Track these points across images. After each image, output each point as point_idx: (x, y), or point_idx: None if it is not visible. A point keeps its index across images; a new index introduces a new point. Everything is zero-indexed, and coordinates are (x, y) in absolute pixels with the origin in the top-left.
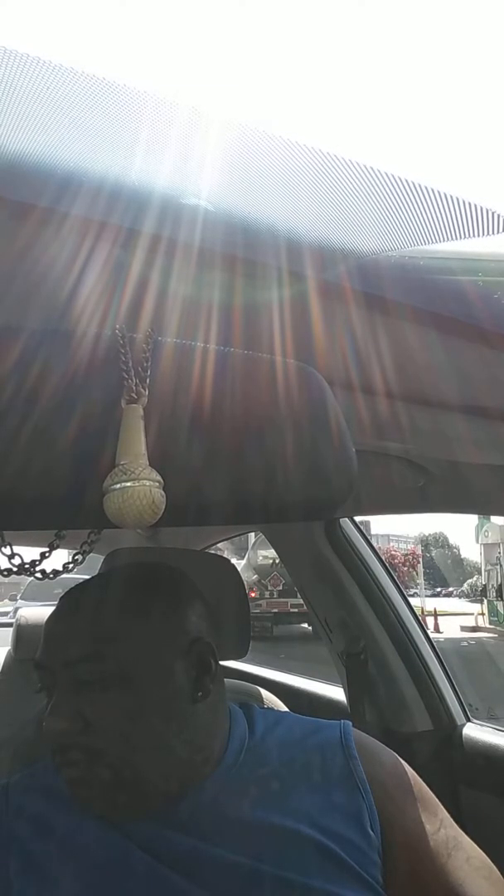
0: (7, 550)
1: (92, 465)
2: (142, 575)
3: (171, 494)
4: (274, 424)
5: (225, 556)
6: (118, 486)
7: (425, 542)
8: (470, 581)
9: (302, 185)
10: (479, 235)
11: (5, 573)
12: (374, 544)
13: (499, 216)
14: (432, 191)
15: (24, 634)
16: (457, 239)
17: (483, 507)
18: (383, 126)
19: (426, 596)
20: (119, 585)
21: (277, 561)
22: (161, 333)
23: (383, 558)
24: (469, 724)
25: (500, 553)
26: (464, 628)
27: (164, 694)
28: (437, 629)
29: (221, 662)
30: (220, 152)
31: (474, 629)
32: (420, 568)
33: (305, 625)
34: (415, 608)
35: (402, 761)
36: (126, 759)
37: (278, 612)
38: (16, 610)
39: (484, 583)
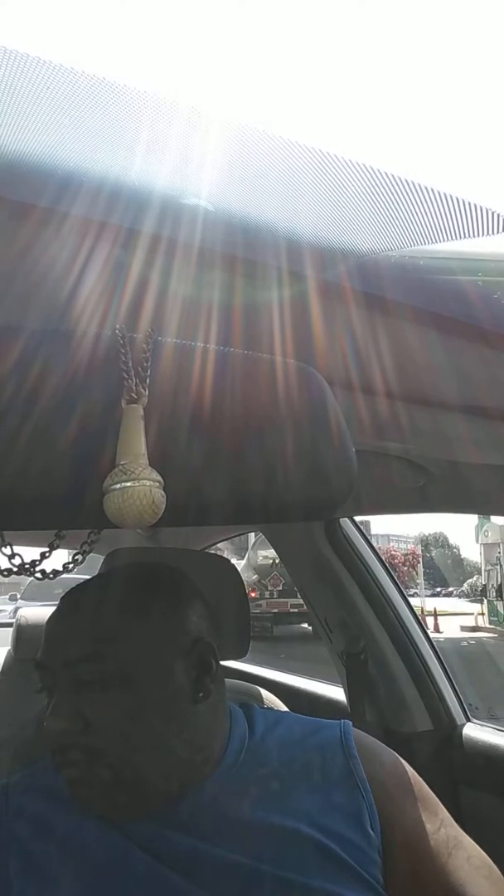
0: (7, 550)
1: (92, 465)
2: (142, 575)
3: (171, 494)
4: (274, 424)
5: (225, 556)
6: (118, 486)
7: (425, 542)
8: (470, 581)
9: (302, 185)
10: (479, 235)
11: (5, 573)
12: (374, 544)
13: (499, 216)
14: (432, 191)
15: (24, 634)
16: (457, 239)
17: (483, 507)
18: (383, 126)
19: (426, 596)
20: (119, 585)
21: (277, 561)
22: (161, 333)
23: (383, 558)
24: (469, 723)
25: (500, 553)
26: (464, 628)
27: (164, 694)
28: (437, 629)
29: (221, 662)
30: (220, 152)
31: (474, 629)
32: (420, 568)
33: (305, 625)
34: (415, 608)
35: (403, 761)
36: (126, 760)
37: (278, 612)
38: (16, 610)
39: (484, 583)
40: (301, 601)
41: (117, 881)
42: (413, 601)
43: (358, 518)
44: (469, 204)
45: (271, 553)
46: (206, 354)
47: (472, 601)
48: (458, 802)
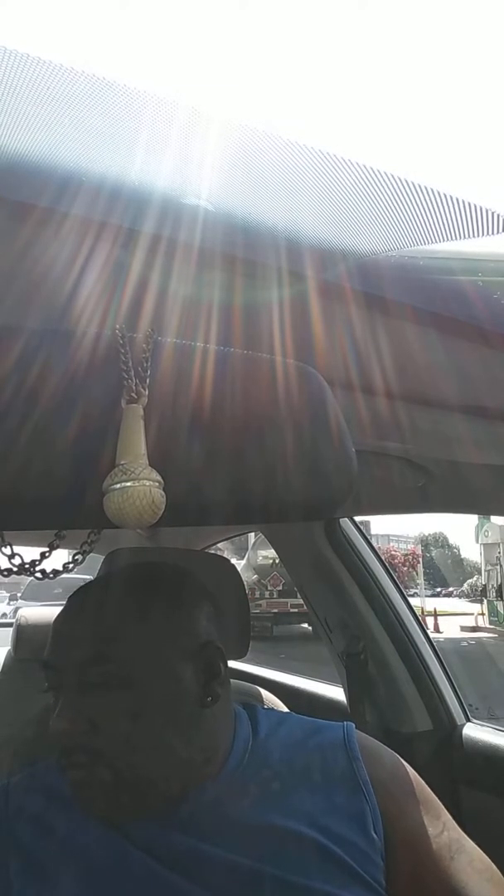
0: (7, 550)
1: (92, 465)
2: (152, 576)
3: (171, 494)
4: (274, 424)
5: (225, 556)
6: (118, 486)
7: (425, 542)
8: (470, 581)
9: (302, 185)
10: (479, 235)
11: (5, 573)
12: (374, 544)
13: (499, 216)
14: (432, 191)
15: (24, 634)
16: (457, 239)
17: (483, 507)
18: (383, 126)
19: (426, 596)
20: (129, 587)
21: (277, 561)
22: (161, 333)
23: (383, 558)
24: (469, 724)
25: (500, 553)
26: (464, 628)
27: (173, 697)
28: (437, 629)
29: None
30: (220, 152)
31: (474, 629)
32: (420, 568)
33: (305, 625)
34: (415, 608)
35: (405, 763)
36: (133, 763)
37: (278, 612)
38: (16, 610)
39: (484, 583)
40: (301, 601)
41: (117, 882)
42: (413, 601)
43: (358, 518)
44: (469, 204)
45: (271, 553)
46: (206, 354)
47: (472, 601)
48: (458, 802)
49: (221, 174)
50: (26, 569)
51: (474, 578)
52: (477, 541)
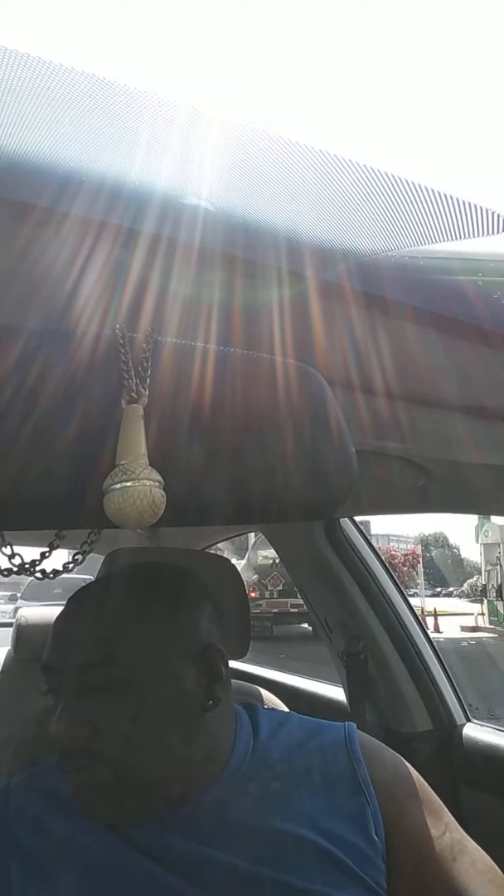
0: (7, 550)
1: (92, 465)
2: (153, 577)
3: (171, 494)
4: (274, 424)
5: (225, 556)
6: (118, 486)
7: (425, 542)
8: (470, 581)
9: (302, 185)
10: (479, 235)
11: (5, 573)
12: (374, 544)
13: (499, 216)
14: (432, 191)
15: (24, 634)
16: (457, 239)
17: (483, 507)
18: (383, 126)
19: (426, 596)
20: (130, 588)
21: (277, 561)
22: (161, 333)
23: (383, 558)
24: (469, 724)
25: (500, 553)
26: (464, 628)
27: (174, 700)
28: (437, 629)
29: None
30: (220, 152)
31: (474, 629)
32: (420, 568)
33: (305, 625)
34: (415, 608)
35: (407, 764)
36: (135, 766)
37: (278, 612)
38: (16, 610)
39: (484, 583)
40: (301, 601)
41: (117, 884)
42: (413, 601)
43: (358, 518)
44: (469, 204)
45: (271, 553)
46: (206, 354)
47: (472, 601)
48: (458, 802)
49: (221, 174)
50: (26, 569)
51: (474, 578)
52: (477, 541)
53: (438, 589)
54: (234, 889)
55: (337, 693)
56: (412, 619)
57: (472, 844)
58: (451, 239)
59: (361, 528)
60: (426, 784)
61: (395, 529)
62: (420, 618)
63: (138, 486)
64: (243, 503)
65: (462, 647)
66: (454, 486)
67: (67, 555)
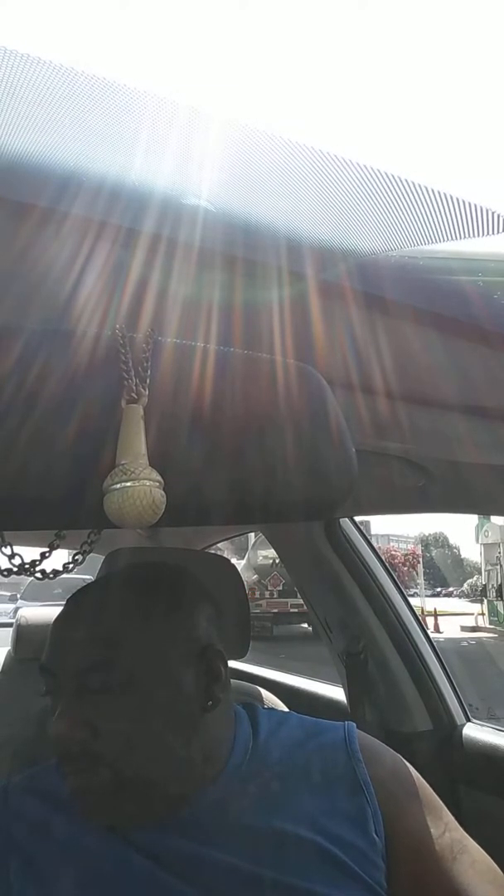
0: (7, 550)
1: (92, 465)
2: (151, 578)
3: (171, 494)
4: (274, 424)
5: (225, 556)
6: (118, 486)
7: (425, 542)
8: (470, 581)
9: (302, 185)
10: (479, 235)
11: (5, 573)
12: (374, 544)
13: (499, 216)
14: (432, 191)
15: (24, 634)
16: (457, 239)
17: (483, 507)
18: (383, 126)
19: (426, 596)
20: (131, 589)
21: (277, 561)
22: (161, 333)
23: (383, 558)
24: (469, 724)
25: (500, 553)
26: (464, 628)
27: (174, 702)
28: (437, 629)
29: None
30: (220, 152)
31: (474, 629)
32: (420, 568)
33: (305, 625)
34: (415, 608)
35: (407, 764)
36: (135, 768)
37: (278, 612)
38: (16, 610)
39: (484, 583)
40: (301, 601)
41: (117, 885)
42: (413, 601)
43: (358, 518)
44: (469, 204)
45: (271, 553)
46: (206, 354)
47: (472, 601)
48: (459, 802)
49: (221, 174)
50: (26, 569)
51: (474, 578)
52: (477, 541)
53: (438, 589)
54: (234, 889)
55: (337, 693)
56: (412, 619)
57: (471, 844)
58: (451, 239)
59: (361, 528)
60: (426, 784)
61: (395, 529)
62: (420, 618)
63: (138, 486)
64: (243, 503)
65: (462, 647)
66: (454, 486)
67: (67, 555)
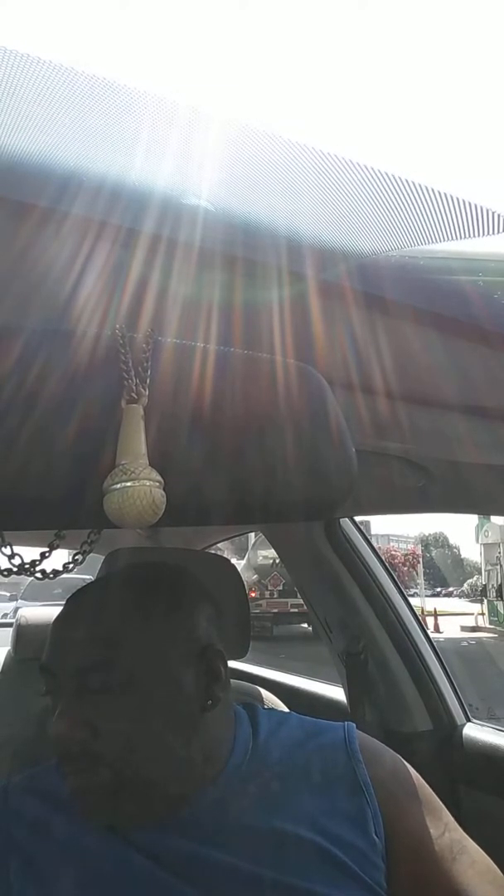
0: (7, 550)
1: (92, 465)
2: (151, 578)
3: (171, 494)
4: (274, 424)
5: (225, 556)
6: (118, 486)
7: (425, 542)
8: (470, 581)
9: (302, 185)
10: (479, 235)
11: (5, 573)
12: (374, 544)
13: (499, 216)
14: (432, 191)
15: (24, 634)
16: (457, 239)
17: (483, 507)
18: (383, 126)
19: (426, 596)
20: (131, 589)
21: (277, 561)
22: (161, 333)
23: (383, 558)
24: (469, 724)
25: (500, 553)
26: (464, 628)
27: (174, 702)
28: (437, 629)
29: None
30: (220, 152)
31: (474, 629)
32: (420, 568)
33: (305, 625)
34: (415, 608)
35: (407, 764)
36: (134, 767)
37: (278, 612)
38: (16, 610)
39: (484, 583)
40: (301, 601)
41: (117, 885)
42: (413, 601)
43: (358, 518)
44: (469, 204)
45: (271, 553)
46: (206, 354)
47: (472, 601)
48: (458, 802)
49: (222, 174)
50: (26, 569)
51: (474, 578)
52: (477, 541)
53: (438, 589)
54: (234, 889)
55: (337, 693)
56: (412, 619)
57: (471, 844)
58: (451, 239)
59: (361, 528)
60: (426, 784)
61: (395, 529)
62: (420, 618)
63: (138, 486)
64: (243, 503)
65: (462, 647)
66: (454, 486)
67: (67, 555)
